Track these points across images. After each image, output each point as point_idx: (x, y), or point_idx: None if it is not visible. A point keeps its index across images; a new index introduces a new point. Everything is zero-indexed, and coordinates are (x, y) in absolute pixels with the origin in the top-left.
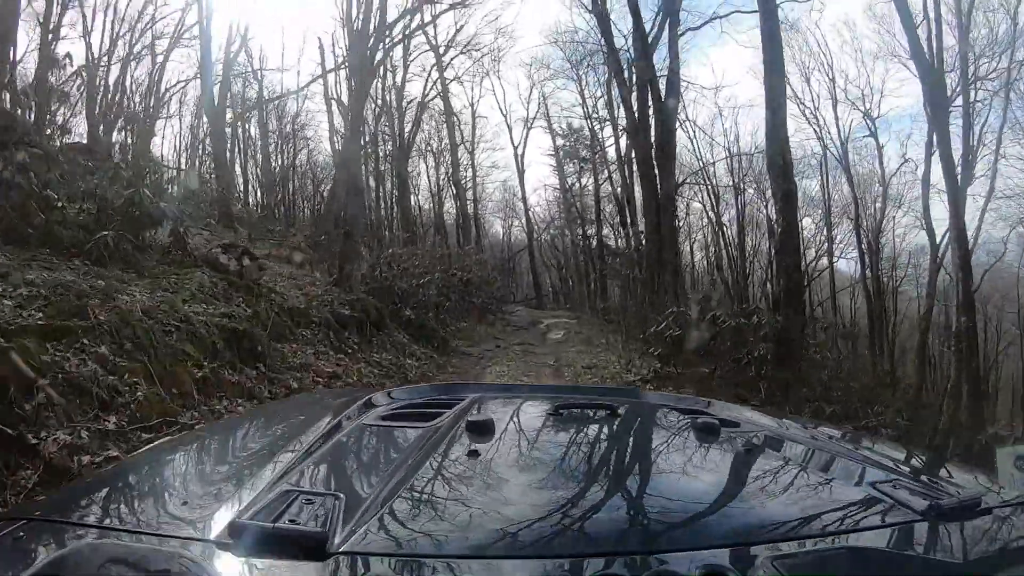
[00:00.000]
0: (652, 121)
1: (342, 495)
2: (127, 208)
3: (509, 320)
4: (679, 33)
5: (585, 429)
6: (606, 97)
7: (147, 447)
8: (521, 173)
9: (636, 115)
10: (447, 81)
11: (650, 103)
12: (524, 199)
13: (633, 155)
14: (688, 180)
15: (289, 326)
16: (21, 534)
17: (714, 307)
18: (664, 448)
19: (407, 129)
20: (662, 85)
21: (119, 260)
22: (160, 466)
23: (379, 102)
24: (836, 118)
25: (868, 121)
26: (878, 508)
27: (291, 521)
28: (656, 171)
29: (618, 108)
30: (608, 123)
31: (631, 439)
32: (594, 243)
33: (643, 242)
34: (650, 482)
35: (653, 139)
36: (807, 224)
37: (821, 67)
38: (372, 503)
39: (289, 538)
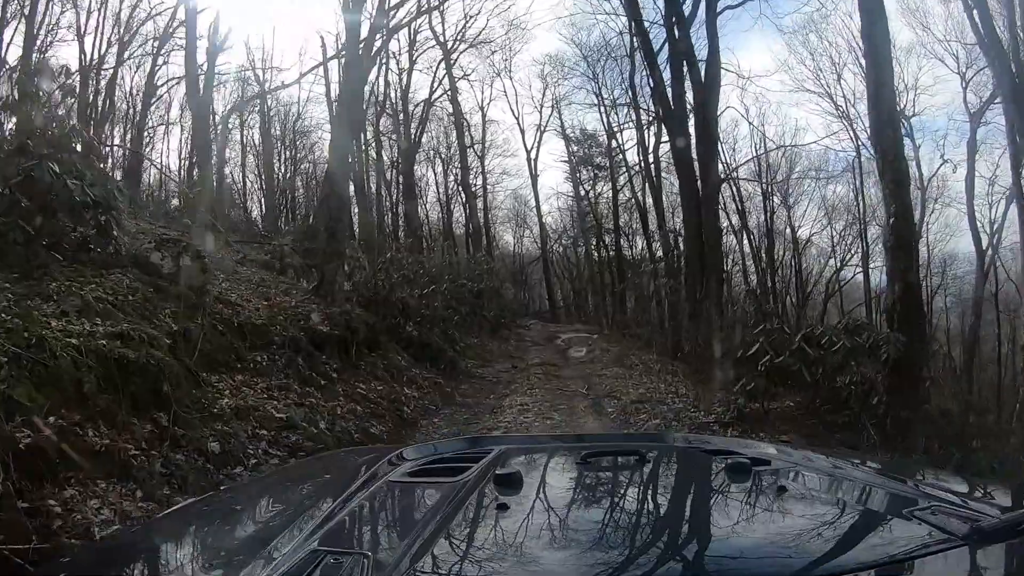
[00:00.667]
0: (689, 106)
1: (370, 554)
2: (26, 187)
3: (523, 335)
4: (717, 12)
5: (614, 477)
6: (628, 91)
7: (172, 508)
8: (534, 179)
9: (671, 100)
10: (455, 79)
11: (687, 87)
12: (538, 206)
13: (663, 147)
14: (732, 175)
15: (238, 349)
16: None
17: (778, 325)
18: (696, 492)
19: (413, 128)
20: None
21: (7, 255)
22: (186, 527)
23: (380, 98)
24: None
25: (903, 120)
26: (918, 535)
27: None
28: (696, 163)
29: (644, 98)
30: (627, 126)
31: (661, 485)
32: (609, 253)
33: (678, 246)
34: (684, 529)
35: (692, 127)
36: (825, 235)
37: (856, 61)
38: (400, 561)
39: None
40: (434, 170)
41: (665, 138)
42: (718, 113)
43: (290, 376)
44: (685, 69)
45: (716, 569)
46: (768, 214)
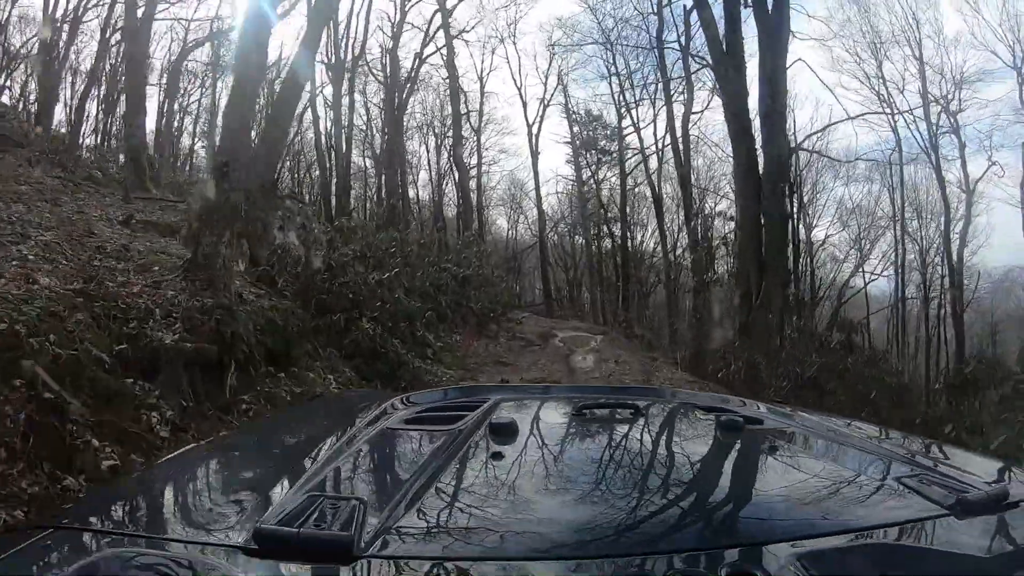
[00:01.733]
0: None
1: (366, 499)
2: None
3: (515, 332)
4: None
5: (609, 429)
6: (655, 52)
7: (172, 454)
8: (535, 156)
9: (723, 44)
10: (452, 36)
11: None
12: (537, 186)
13: (694, 121)
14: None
15: None
16: (48, 543)
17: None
18: (689, 446)
19: (402, 80)
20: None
21: None
22: (184, 473)
23: (358, 51)
24: (926, 102)
25: (948, 116)
26: (904, 503)
27: (316, 526)
28: (759, 127)
29: (670, 69)
30: (643, 101)
31: (655, 438)
32: (615, 243)
33: (708, 238)
34: (675, 481)
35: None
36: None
37: (908, 41)
38: (396, 506)
39: (314, 543)
40: (427, 146)
41: (698, 107)
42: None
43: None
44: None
45: (703, 524)
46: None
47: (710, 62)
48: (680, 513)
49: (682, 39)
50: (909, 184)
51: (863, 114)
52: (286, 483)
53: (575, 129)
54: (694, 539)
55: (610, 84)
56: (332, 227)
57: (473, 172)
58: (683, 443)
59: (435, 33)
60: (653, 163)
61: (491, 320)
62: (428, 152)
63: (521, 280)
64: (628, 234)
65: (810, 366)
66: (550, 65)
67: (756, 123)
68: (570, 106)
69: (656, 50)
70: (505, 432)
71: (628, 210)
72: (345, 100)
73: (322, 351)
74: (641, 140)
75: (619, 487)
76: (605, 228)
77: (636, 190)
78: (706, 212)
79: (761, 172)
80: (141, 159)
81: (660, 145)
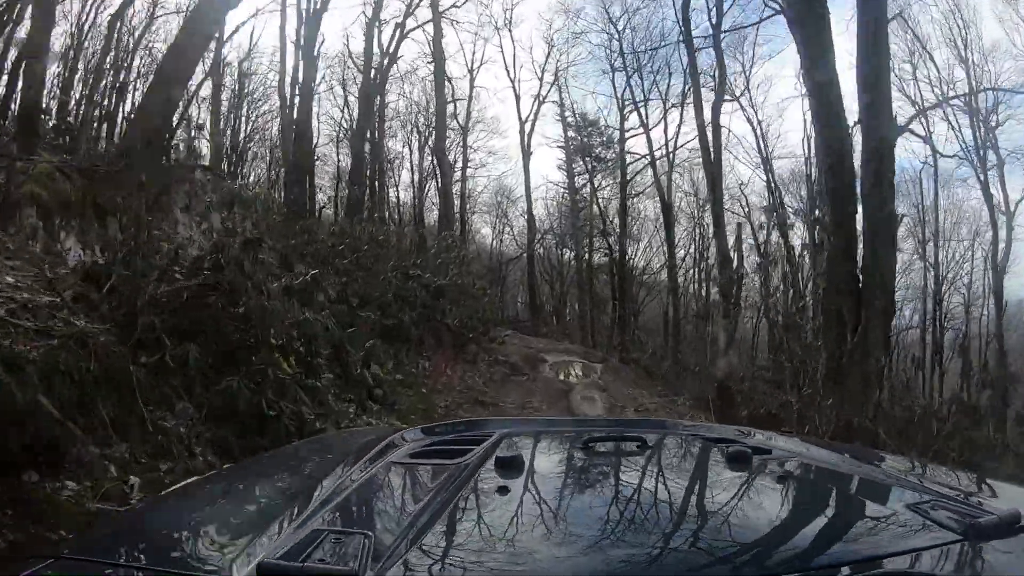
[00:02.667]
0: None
1: (371, 534)
2: None
3: (497, 355)
4: None
5: (616, 463)
6: (679, 24)
7: (175, 486)
8: (526, 156)
9: None
10: (440, 10)
11: None
12: (527, 189)
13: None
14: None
15: None
16: (48, 573)
17: None
18: (697, 479)
19: (380, 55)
20: None
21: None
22: (189, 505)
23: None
24: (975, 107)
25: (984, 130)
26: (916, 530)
27: (320, 561)
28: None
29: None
30: (652, 97)
31: (662, 471)
32: (613, 257)
33: (821, 246)
34: (684, 515)
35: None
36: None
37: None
38: (401, 542)
39: None
40: (410, 146)
41: (731, 93)
42: (888, 17)
43: None
44: None
45: (713, 558)
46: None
47: (781, 6)
48: (690, 547)
49: (712, 13)
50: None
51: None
52: (290, 517)
53: (569, 133)
54: (703, 572)
55: (612, 82)
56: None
57: (458, 175)
58: (691, 476)
59: (419, 1)
60: (660, 168)
61: (470, 340)
62: (412, 152)
63: (505, 294)
64: (626, 248)
65: (936, 436)
66: (547, 58)
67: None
68: (566, 106)
69: (681, 24)
70: (511, 466)
71: (628, 220)
72: (322, 88)
73: (172, 408)
74: (650, 141)
75: (627, 522)
76: (599, 240)
77: (633, 200)
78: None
79: (848, 166)
80: (35, 116)
81: (672, 146)
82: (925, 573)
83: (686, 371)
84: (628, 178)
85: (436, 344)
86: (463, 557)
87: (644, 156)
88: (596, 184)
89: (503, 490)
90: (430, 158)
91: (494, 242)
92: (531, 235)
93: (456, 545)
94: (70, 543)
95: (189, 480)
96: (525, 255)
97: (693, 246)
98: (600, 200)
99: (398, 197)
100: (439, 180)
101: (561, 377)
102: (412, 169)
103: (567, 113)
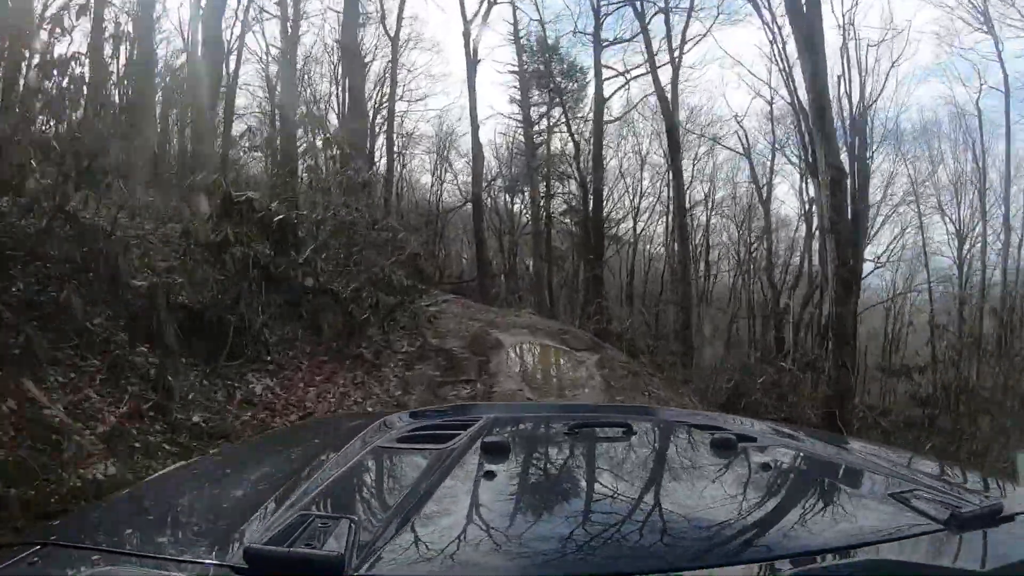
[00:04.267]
0: None
1: (358, 518)
2: None
3: (426, 341)
4: None
5: (601, 448)
6: None
7: (163, 471)
8: (472, 66)
9: None
10: None
11: None
12: (473, 113)
13: None
14: None
15: None
16: (36, 559)
17: None
18: (681, 465)
19: None
20: None
21: None
22: (176, 490)
23: None
24: None
25: None
26: (898, 519)
27: (307, 545)
28: None
29: None
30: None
31: (647, 456)
32: (585, 205)
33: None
34: (668, 500)
35: None
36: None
37: None
38: (388, 526)
39: (305, 562)
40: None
41: None
42: None
43: None
44: None
45: (694, 543)
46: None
47: None
48: (674, 532)
49: None
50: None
51: None
52: (277, 502)
53: (524, 58)
54: (688, 559)
55: None
56: None
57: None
58: (676, 462)
59: None
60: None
61: (390, 314)
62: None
63: (446, 252)
64: (601, 191)
65: None
66: None
67: None
68: (519, 22)
69: None
70: (497, 451)
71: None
72: None
73: None
74: (649, 42)
75: (612, 507)
76: (559, 186)
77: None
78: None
79: None
80: None
81: (679, 50)
82: (906, 561)
83: (690, 353)
84: (606, 97)
85: (316, 337)
86: (449, 541)
87: (636, 67)
88: (555, 119)
89: (489, 475)
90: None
91: (434, 190)
92: (478, 169)
93: (442, 529)
94: (56, 529)
95: (175, 465)
96: (471, 201)
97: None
98: (561, 136)
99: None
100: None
101: (529, 376)
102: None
103: (521, 29)
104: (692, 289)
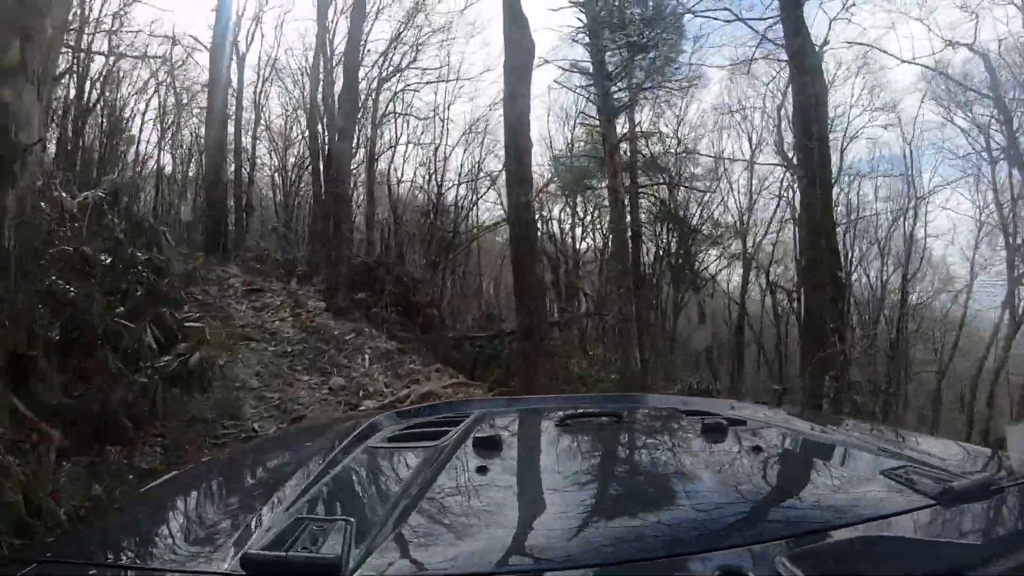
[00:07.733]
0: None
1: (353, 519)
2: None
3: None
4: None
5: (592, 438)
6: None
7: (155, 482)
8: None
9: None
10: None
11: None
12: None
13: None
14: None
15: None
16: None
17: None
18: (673, 451)
19: None
20: None
21: None
22: (169, 500)
23: None
24: None
25: None
26: (891, 495)
27: (303, 549)
28: None
29: None
30: None
31: (639, 445)
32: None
33: None
34: (662, 486)
35: None
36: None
37: None
38: (383, 526)
39: (302, 566)
40: None
41: None
42: None
43: None
44: None
45: (689, 528)
46: None
47: None
48: (668, 518)
49: None
50: None
51: None
52: (272, 507)
53: None
54: (684, 543)
55: None
56: None
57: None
58: (668, 448)
59: None
60: None
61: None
62: None
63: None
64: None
65: None
66: None
67: None
68: None
69: None
70: (489, 446)
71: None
72: None
73: None
74: None
75: (606, 496)
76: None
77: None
78: None
79: None
80: None
81: None
82: (900, 537)
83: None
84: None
85: None
86: (445, 538)
87: None
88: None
89: (482, 470)
90: None
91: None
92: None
93: (437, 526)
94: (49, 546)
95: (168, 476)
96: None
97: None
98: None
99: None
100: None
101: None
102: None
103: None
104: None
